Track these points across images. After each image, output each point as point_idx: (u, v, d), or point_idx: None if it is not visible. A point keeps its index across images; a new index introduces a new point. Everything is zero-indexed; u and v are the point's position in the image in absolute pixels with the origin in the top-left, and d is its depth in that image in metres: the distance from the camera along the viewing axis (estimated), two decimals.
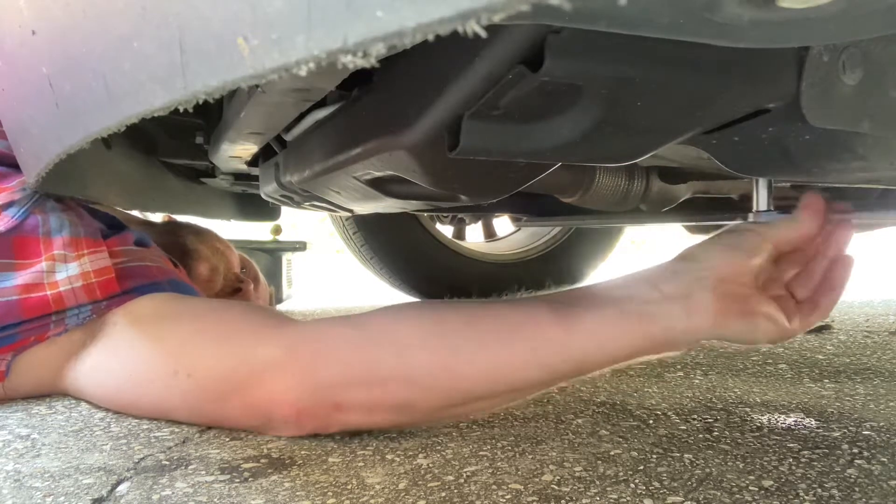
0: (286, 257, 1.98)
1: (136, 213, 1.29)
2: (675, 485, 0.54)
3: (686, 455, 0.62)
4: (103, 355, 0.73)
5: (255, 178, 1.07)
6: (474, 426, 0.71)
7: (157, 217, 1.39)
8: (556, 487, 0.54)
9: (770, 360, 1.10)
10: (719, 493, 0.53)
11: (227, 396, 0.65)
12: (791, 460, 0.60)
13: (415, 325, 0.62)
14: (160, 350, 0.69)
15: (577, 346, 0.58)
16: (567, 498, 0.52)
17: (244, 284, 1.29)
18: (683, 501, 0.51)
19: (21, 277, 0.73)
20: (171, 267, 0.89)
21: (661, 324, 0.57)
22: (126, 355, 0.72)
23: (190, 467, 0.58)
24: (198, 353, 0.66)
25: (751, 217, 0.69)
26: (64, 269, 0.75)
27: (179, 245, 1.19)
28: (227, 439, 0.66)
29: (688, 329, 0.57)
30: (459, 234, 2.18)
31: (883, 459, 0.61)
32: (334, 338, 0.63)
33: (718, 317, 0.57)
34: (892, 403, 0.81)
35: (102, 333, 0.74)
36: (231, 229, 1.73)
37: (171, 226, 1.33)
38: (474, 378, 0.60)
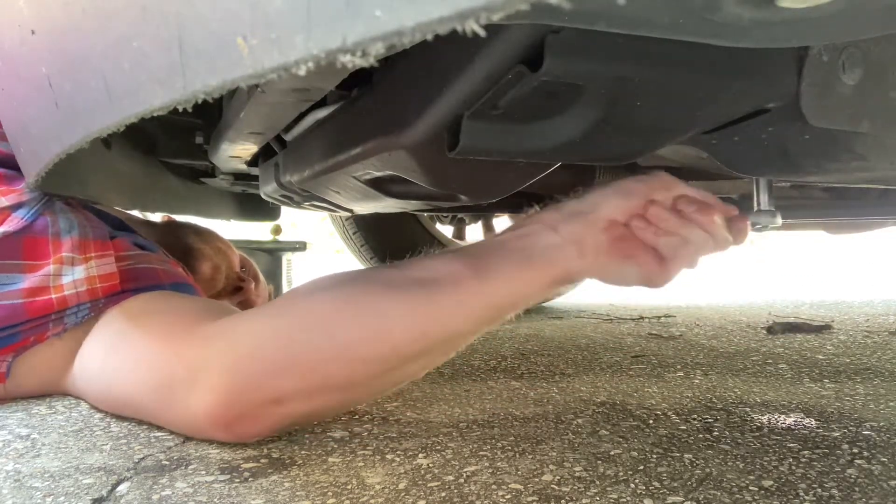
0: (286, 257, 1.98)
1: (136, 212, 1.29)
2: (675, 485, 0.54)
3: (686, 455, 0.62)
4: (93, 352, 0.73)
5: (255, 178, 1.07)
6: (474, 426, 0.71)
7: (157, 217, 1.39)
8: (556, 487, 0.54)
9: (770, 360, 1.10)
10: (719, 493, 0.53)
11: (162, 406, 0.64)
12: (791, 460, 0.60)
13: (341, 301, 0.61)
14: (131, 350, 0.69)
15: (494, 293, 0.61)
16: (567, 498, 0.52)
17: (245, 283, 1.30)
18: (683, 501, 0.51)
19: (28, 281, 0.74)
20: (179, 270, 0.89)
21: (560, 265, 0.61)
22: (107, 353, 0.72)
23: (190, 467, 0.58)
24: (144, 357, 0.65)
25: (751, 218, 0.69)
26: (70, 273, 0.75)
27: (182, 245, 1.20)
28: None
29: (580, 268, 0.61)
30: (459, 234, 2.18)
31: (883, 459, 0.61)
32: (258, 329, 0.62)
33: (602, 256, 0.61)
34: (892, 403, 0.81)
35: (96, 330, 0.74)
36: (231, 229, 1.73)
37: (172, 226, 1.33)
38: (408, 338, 0.60)
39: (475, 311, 0.62)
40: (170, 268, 0.86)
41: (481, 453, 0.62)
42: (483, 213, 2.01)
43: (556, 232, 0.62)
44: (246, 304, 1.28)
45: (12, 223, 0.75)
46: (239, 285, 1.29)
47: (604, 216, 0.62)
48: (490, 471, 0.57)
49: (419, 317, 0.60)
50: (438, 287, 0.61)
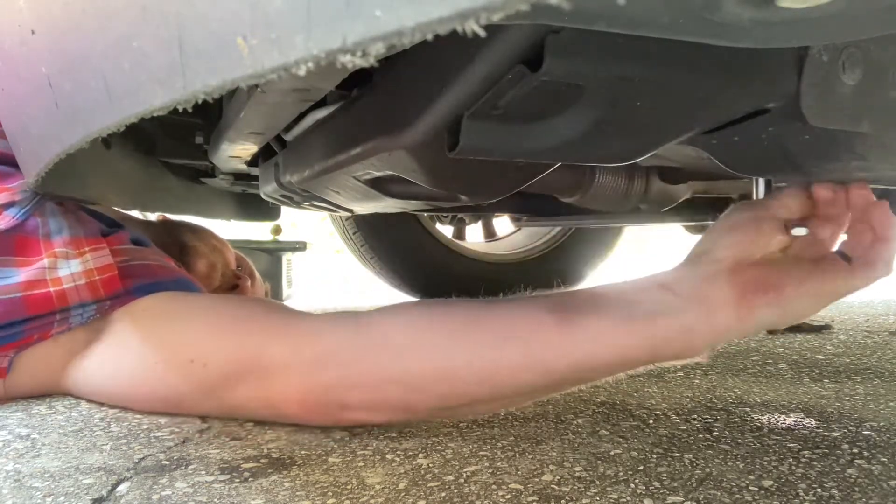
0: (286, 257, 1.98)
1: (134, 212, 1.29)
2: (675, 485, 0.54)
3: (686, 455, 0.62)
4: (113, 352, 0.74)
5: (255, 178, 1.07)
6: (474, 426, 0.71)
7: (153, 216, 1.39)
8: (556, 487, 0.54)
9: (770, 360, 1.10)
10: (719, 493, 0.53)
11: (237, 386, 0.67)
12: (791, 460, 0.60)
13: (412, 328, 0.63)
14: (175, 343, 0.70)
15: (577, 349, 0.56)
16: (567, 498, 0.52)
17: (241, 281, 1.30)
18: (683, 501, 0.51)
19: (24, 274, 0.74)
20: (174, 265, 0.89)
21: (672, 325, 0.53)
22: (139, 350, 0.72)
23: (190, 467, 0.58)
24: (212, 345, 0.68)
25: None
26: (66, 266, 0.75)
27: (178, 243, 1.20)
28: (227, 439, 0.66)
29: (712, 329, 0.53)
30: (459, 234, 2.18)
31: (883, 459, 0.61)
32: (337, 340, 0.64)
33: (742, 308, 0.52)
34: (892, 403, 0.81)
35: (109, 331, 0.74)
36: (231, 229, 1.73)
37: (168, 224, 1.34)
38: (469, 381, 0.59)
39: (548, 364, 0.56)
40: (166, 263, 0.86)
41: (481, 453, 0.62)
42: (483, 213, 2.01)
43: (668, 290, 0.54)
44: None
45: (4, 221, 0.75)
46: (235, 283, 1.30)
47: (723, 256, 0.54)
48: (490, 471, 0.57)
49: (483, 362, 0.58)
50: (513, 332, 0.57)
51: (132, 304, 0.75)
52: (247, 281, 1.32)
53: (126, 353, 0.73)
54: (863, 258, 0.55)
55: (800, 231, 0.56)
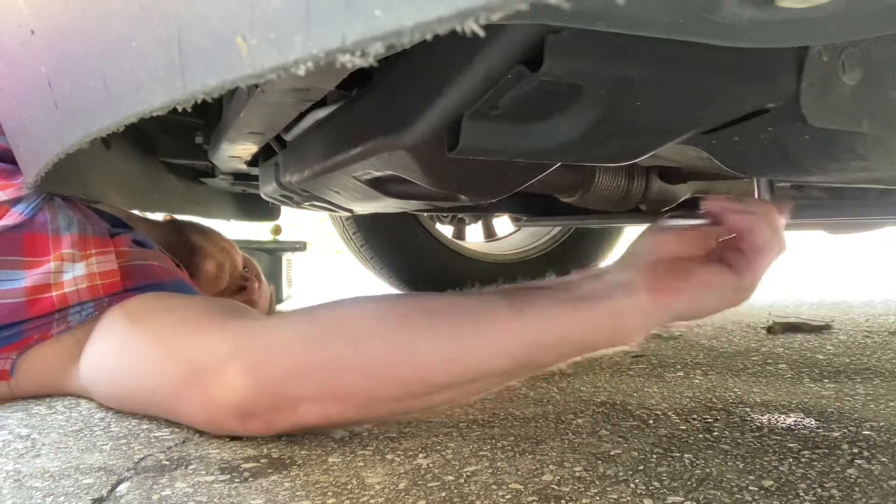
0: (286, 257, 1.98)
1: (136, 212, 1.29)
2: (675, 485, 0.54)
3: (686, 455, 0.62)
4: (100, 351, 0.73)
5: (255, 177, 1.07)
6: (474, 426, 0.71)
7: (159, 216, 1.39)
8: (556, 487, 0.54)
9: (770, 360, 1.10)
10: (719, 493, 0.52)
11: (184, 394, 0.64)
12: (791, 460, 0.60)
13: (370, 316, 0.62)
14: (144, 346, 0.69)
15: (529, 331, 0.59)
16: (567, 498, 0.52)
17: (248, 283, 1.30)
18: (683, 501, 0.51)
19: (29, 279, 0.74)
20: (174, 268, 0.90)
21: (603, 306, 0.58)
22: (118, 351, 0.72)
23: (190, 467, 0.58)
24: (162, 349, 0.66)
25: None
26: (71, 270, 0.75)
27: (186, 243, 1.20)
28: (227, 439, 0.66)
29: (632, 311, 0.58)
30: (459, 234, 2.18)
31: (883, 459, 0.61)
32: (286, 331, 0.63)
33: (659, 294, 0.58)
34: (892, 403, 0.81)
35: (100, 329, 0.74)
36: (231, 229, 1.73)
37: (175, 224, 1.34)
38: (431, 367, 0.59)
39: (505, 348, 0.59)
40: (166, 264, 0.86)
41: (481, 453, 0.62)
42: (483, 213, 2.01)
43: (599, 279, 0.61)
44: (249, 304, 1.29)
45: (11, 218, 0.75)
46: (242, 285, 1.29)
47: (645, 253, 0.61)
48: (490, 471, 0.57)
49: (445, 346, 0.59)
50: (470, 319, 0.59)
51: (125, 302, 0.75)
52: (254, 283, 1.32)
53: (109, 355, 0.73)
54: (739, 263, 0.61)
55: (674, 222, 0.64)
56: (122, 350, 0.71)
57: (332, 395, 0.60)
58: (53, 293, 0.74)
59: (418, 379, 0.60)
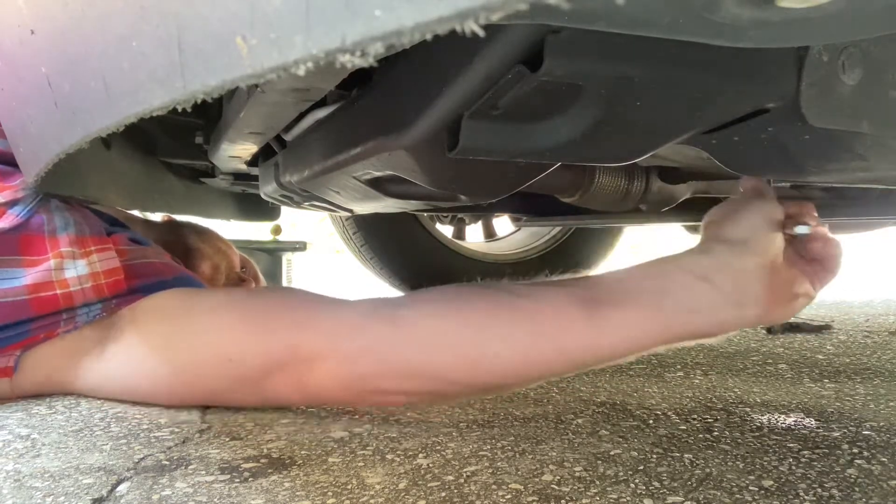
0: (286, 257, 1.98)
1: (135, 212, 1.29)
2: (675, 485, 0.54)
3: (686, 455, 0.62)
4: (133, 351, 0.73)
5: (255, 177, 1.07)
6: (474, 426, 0.71)
7: (157, 216, 1.39)
8: (556, 487, 0.54)
9: (770, 360, 1.10)
10: (719, 493, 0.52)
11: (275, 377, 0.69)
12: (791, 460, 0.60)
13: (442, 319, 0.65)
14: (205, 340, 0.71)
15: (606, 343, 0.58)
16: (567, 498, 0.52)
17: (245, 283, 1.30)
18: (683, 501, 0.51)
19: (30, 276, 0.74)
20: (175, 263, 0.90)
21: (713, 320, 0.55)
22: (165, 349, 0.73)
23: (190, 467, 0.58)
24: (247, 339, 0.69)
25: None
26: (73, 267, 0.75)
27: (182, 244, 1.20)
28: (227, 439, 0.66)
29: (742, 324, 0.56)
30: (459, 234, 2.18)
31: (883, 459, 0.61)
32: (372, 334, 0.67)
33: (770, 307, 0.56)
34: (892, 403, 0.81)
35: (121, 330, 0.74)
36: (231, 229, 1.73)
37: (172, 225, 1.34)
38: (500, 372, 0.62)
39: (579, 358, 0.59)
40: (167, 260, 0.86)
41: (481, 453, 0.62)
42: (483, 213, 2.01)
43: (707, 282, 0.56)
44: None
45: (8, 220, 0.75)
46: (239, 285, 1.29)
47: (771, 259, 0.57)
48: (490, 471, 0.57)
49: (514, 355, 0.61)
50: (544, 328, 0.59)
51: (140, 303, 0.75)
52: (251, 283, 1.32)
53: (148, 352, 0.73)
54: (814, 280, 0.61)
55: (802, 230, 0.60)
56: (172, 345, 0.72)
57: (411, 391, 0.67)
58: (58, 291, 0.74)
59: (486, 383, 0.64)
